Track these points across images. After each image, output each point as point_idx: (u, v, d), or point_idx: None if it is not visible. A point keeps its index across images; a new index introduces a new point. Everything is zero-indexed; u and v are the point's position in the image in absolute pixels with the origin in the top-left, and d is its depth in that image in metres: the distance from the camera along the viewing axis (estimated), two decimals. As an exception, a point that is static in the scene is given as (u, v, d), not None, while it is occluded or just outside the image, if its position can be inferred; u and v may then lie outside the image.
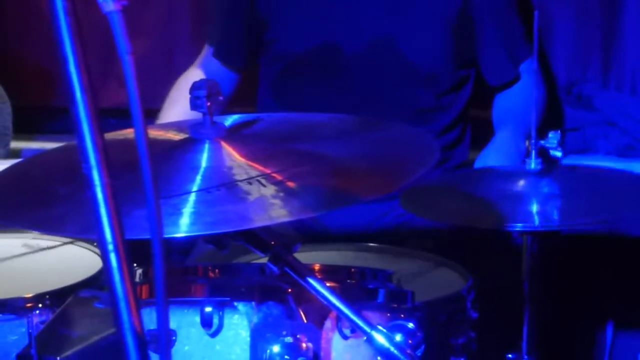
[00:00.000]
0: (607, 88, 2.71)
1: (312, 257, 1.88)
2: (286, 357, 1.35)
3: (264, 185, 1.28)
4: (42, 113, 3.07)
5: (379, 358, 1.41)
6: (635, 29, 2.70)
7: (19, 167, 1.66)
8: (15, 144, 2.80)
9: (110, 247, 0.76)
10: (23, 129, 2.87)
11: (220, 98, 1.38)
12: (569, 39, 2.75)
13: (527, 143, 1.73)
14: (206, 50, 2.43)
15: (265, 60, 2.42)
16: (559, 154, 1.69)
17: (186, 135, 1.38)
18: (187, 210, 1.22)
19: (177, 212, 1.20)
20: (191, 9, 3.05)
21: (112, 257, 0.76)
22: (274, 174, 1.31)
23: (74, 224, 1.26)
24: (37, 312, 1.73)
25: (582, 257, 2.34)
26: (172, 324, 1.42)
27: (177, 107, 2.29)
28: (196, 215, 1.22)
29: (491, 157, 2.14)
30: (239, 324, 1.39)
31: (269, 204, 1.27)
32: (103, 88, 2.71)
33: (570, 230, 2.03)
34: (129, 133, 1.29)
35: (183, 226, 1.19)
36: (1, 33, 3.12)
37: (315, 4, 2.37)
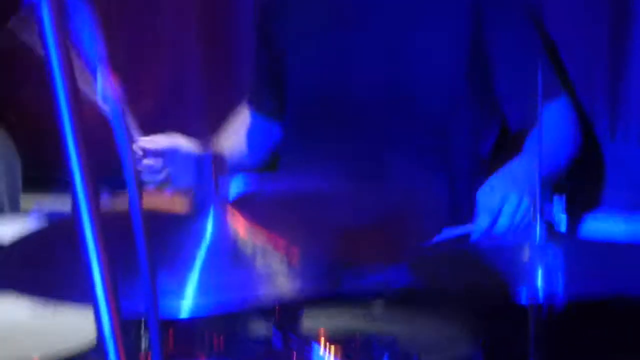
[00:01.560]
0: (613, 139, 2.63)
1: (321, 318, 1.84)
2: None
3: (269, 254, 1.31)
4: (52, 169, 3.16)
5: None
6: None
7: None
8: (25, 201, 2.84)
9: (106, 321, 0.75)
10: (34, 186, 2.87)
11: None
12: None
13: (531, 210, 1.64)
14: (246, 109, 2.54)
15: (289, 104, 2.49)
16: (563, 220, 1.63)
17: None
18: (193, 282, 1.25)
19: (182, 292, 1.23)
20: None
21: (107, 330, 0.76)
22: (279, 242, 1.34)
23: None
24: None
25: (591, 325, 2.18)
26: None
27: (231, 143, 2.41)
28: (200, 287, 1.23)
29: (496, 197, 2.02)
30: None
31: (275, 274, 1.30)
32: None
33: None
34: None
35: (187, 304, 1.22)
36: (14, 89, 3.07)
37: (322, 52, 2.38)
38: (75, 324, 1.93)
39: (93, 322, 1.88)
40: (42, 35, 0.76)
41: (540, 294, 1.56)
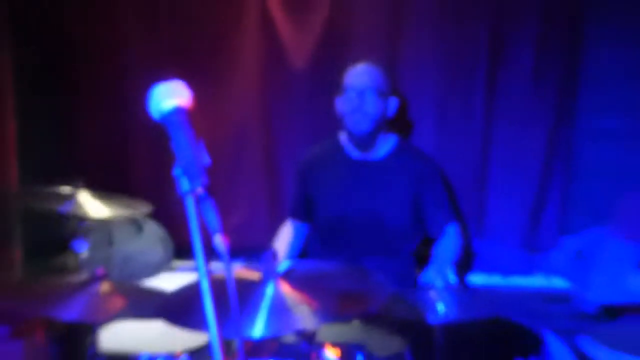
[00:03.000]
0: None
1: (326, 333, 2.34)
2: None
3: (300, 305, 1.81)
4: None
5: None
6: None
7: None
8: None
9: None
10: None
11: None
12: None
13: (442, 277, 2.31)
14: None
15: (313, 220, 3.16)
16: (454, 279, 2.31)
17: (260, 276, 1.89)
18: (262, 318, 1.72)
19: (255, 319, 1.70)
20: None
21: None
22: (306, 299, 1.83)
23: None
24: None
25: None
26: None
27: (281, 244, 3.11)
28: (268, 321, 1.72)
29: (430, 274, 2.66)
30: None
31: (302, 316, 1.79)
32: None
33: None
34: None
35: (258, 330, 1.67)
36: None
37: (332, 193, 3.08)
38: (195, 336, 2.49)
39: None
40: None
41: (442, 318, 2.12)
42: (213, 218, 1.26)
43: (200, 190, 1.27)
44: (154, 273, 3.41)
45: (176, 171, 1.29)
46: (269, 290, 1.85)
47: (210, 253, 1.30)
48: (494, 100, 3.27)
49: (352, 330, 2.55)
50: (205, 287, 1.27)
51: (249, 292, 1.76)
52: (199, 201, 1.28)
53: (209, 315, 1.28)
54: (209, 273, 1.27)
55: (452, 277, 2.30)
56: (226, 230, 1.28)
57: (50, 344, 2.13)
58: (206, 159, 1.30)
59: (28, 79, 3.40)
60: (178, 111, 1.33)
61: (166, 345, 2.55)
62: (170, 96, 1.34)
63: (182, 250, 3.61)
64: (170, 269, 3.54)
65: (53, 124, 3.67)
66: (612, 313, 2.54)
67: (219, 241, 1.25)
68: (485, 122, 3.28)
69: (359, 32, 3.37)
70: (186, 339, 2.57)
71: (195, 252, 1.26)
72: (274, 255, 1.94)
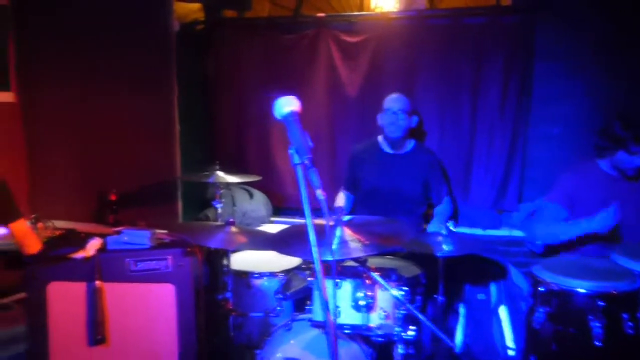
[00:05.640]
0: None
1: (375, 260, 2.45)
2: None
3: (356, 242, 1.81)
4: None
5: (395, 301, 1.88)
6: None
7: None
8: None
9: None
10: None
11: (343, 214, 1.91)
12: None
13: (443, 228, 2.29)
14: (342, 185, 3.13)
15: (358, 190, 3.09)
16: (452, 226, 2.32)
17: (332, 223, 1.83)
18: (332, 249, 1.71)
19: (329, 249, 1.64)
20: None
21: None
22: (359, 238, 1.83)
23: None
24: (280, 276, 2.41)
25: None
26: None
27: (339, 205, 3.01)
28: (337, 251, 1.73)
29: (433, 226, 2.74)
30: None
31: (357, 248, 1.78)
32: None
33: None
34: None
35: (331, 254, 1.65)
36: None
37: (373, 174, 3.01)
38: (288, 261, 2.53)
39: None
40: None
41: (442, 251, 2.13)
42: (316, 179, 1.23)
43: (307, 161, 1.25)
44: (260, 223, 3.44)
45: (291, 150, 1.28)
46: (338, 232, 1.85)
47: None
48: (476, 117, 3.21)
49: (387, 259, 2.58)
50: (310, 225, 1.23)
51: (326, 233, 1.67)
52: (306, 168, 1.26)
53: (313, 245, 1.24)
54: (312, 218, 1.23)
55: (448, 228, 2.29)
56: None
57: (203, 261, 2.13)
58: (310, 143, 1.30)
59: (186, 103, 3.41)
60: (293, 114, 1.33)
61: (270, 266, 2.60)
62: (288, 105, 1.34)
63: (277, 209, 3.62)
64: (270, 221, 3.54)
65: (200, 126, 3.71)
66: (552, 251, 2.52)
67: (320, 194, 1.22)
68: (470, 131, 3.24)
69: (389, 73, 3.34)
70: (282, 263, 2.62)
71: (303, 203, 1.21)
72: (340, 211, 1.97)
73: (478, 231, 3.25)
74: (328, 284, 1.73)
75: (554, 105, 3.06)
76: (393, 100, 2.94)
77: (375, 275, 1.89)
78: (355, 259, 1.93)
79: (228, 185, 2.98)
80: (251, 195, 3.51)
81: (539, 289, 2.09)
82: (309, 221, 1.22)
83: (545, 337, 2.03)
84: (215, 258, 2.49)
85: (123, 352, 1.99)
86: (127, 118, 3.24)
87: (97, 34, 3.17)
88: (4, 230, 2.72)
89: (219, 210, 2.86)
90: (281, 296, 2.32)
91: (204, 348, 2.04)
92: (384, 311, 1.90)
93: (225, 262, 2.43)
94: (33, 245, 2.68)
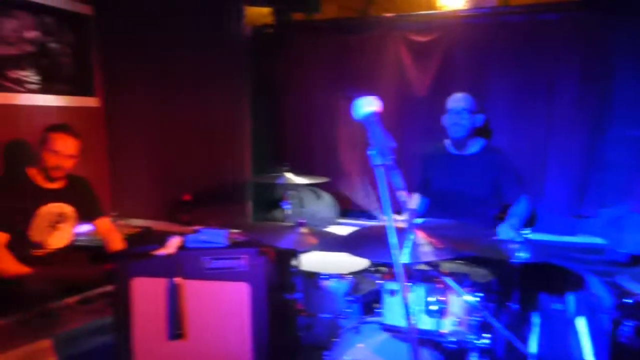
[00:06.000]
0: None
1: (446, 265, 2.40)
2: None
3: (429, 246, 1.78)
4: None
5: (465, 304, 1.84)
6: None
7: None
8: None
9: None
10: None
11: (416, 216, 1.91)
12: None
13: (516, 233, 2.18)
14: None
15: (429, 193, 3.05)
16: (528, 232, 2.18)
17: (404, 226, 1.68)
18: (405, 252, 1.68)
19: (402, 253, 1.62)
20: None
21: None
22: (433, 241, 1.80)
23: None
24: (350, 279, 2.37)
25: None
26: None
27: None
28: (411, 254, 1.68)
29: (504, 229, 2.56)
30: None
31: (430, 252, 1.75)
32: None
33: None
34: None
35: (404, 257, 1.63)
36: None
37: (440, 176, 2.99)
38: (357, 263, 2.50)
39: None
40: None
41: (514, 258, 1.98)
42: (398, 180, 1.20)
43: (390, 162, 1.22)
44: (327, 224, 3.44)
45: (371, 152, 1.24)
46: (411, 235, 1.82)
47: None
48: (551, 116, 3.10)
49: (461, 265, 2.52)
50: (391, 227, 1.20)
51: (400, 236, 1.54)
52: (388, 169, 1.22)
53: (393, 247, 1.21)
54: (392, 220, 1.19)
55: (522, 233, 2.18)
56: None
57: (274, 261, 2.16)
58: (393, 143, 1.25)
59: (255, 105, 3.48)
60: (374, 114, 1.30)
61: (338, 268, 2.59)
62: (368, 105, 1.31)
63: (343, 211, 3.62)
64: (336, 222, 3.54)
65: (268, 127, 3.74)
66: (638, 260, 2.43)
67: (402, 195, 1.18)
68: (545, 131, 3.14)
69: (460, 72, 3.28)
70: (350, 265, 2.62)
71: (383, 204, 1.18)
72: (414, 214, 2.03)
73: (552, 237, 3.15)
74: (408, 288, 1.73)
75: (638, 106, 2.93)
76: (456, 100, 2.90)
77: (449, 280, 1.87)
78: (428, 263, 1.91)
79: (296, 186, 2.98)
80: (318, 197, 3.54)
81: (626, 300, 2.02)
82: (391, 224, 1.21)
83: (634, 352, 1.96)
84: (285, 258, 2.52)
85: (199, 348, 2.05)
86: (201, 120, 3.35)
87: (174, 40, 3.30)
88: (89, 227, 2.91)
89: (288, 212, 2.89)
90: (351, 298, 2.32)
91: (275, 347, 2.08)
92: (457, 317, 1.87)
93: (294, 262, 2.46)
94: (117, 242, 2.88)
